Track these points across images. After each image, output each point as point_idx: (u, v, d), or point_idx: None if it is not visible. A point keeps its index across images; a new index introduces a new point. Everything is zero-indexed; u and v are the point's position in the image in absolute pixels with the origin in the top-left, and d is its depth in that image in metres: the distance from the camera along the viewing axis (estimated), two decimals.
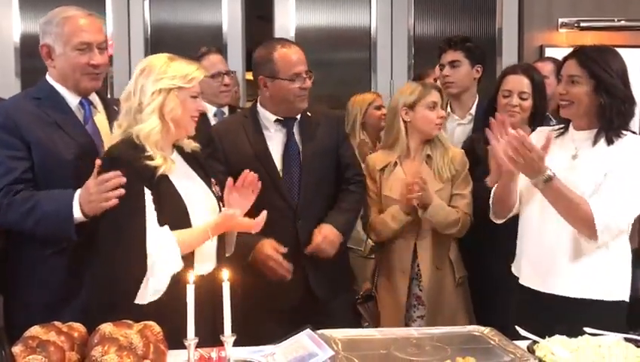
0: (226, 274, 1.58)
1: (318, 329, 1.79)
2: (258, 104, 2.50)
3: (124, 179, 1.85)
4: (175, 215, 1.92)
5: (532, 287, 2.15)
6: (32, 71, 3.85)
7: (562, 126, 2.20)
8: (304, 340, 1.71)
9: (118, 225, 1.88)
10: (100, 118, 2.19)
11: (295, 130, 2.47)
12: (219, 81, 3.14)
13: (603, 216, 1.97)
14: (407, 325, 2.57)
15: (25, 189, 2.00)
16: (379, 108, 3.55)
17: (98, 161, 1.91)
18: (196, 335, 1.56)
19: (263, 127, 2.46)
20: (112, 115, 2.17)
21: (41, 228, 1.98)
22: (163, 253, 1.86)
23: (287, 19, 4.30)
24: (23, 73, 3.95)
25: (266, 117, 2.47)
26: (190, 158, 2.08)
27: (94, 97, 2.21)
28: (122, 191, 1.85)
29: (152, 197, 1.90)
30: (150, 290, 1.84)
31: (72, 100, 2.13)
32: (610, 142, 2.05)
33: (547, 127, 2.32)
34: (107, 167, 1.89)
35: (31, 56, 3.88)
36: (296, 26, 4.32)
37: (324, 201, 2.48)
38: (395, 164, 2.61)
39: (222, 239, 2.05)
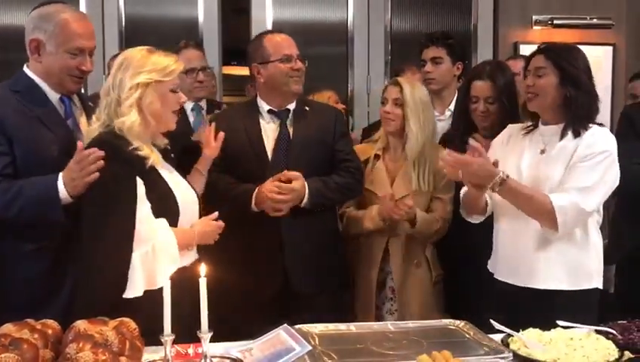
0: (203, 269, 1.57)
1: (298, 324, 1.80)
2: (257, 95, 2.55)
3: (102, 153, 1.86)
4: (166, 205, 1.94)
5: (506, 281, 2.19)
6: (5, 64, 3.78)
7: (531, 124, 2.23)
8: (281, 335, 1.71)
9: (106, 212, 1.87)
10: (79, 115, 2.17)
11: (289, 121, 2.50)
12: (192, 77, 3.12)
13: (562, 205, 2.02)
14: (382, 318, 2.59)
15: (4, 181, 1.98)
16: (336, 102, 3.54)
17: (80, 143, 1.92)
18: (175, 330, 1.55)
19: (259, 116, 2.51)
20: (88, 112, 2.17)
21: (25, 214, 1.96)
22: (165, 247, 1.88)
23: (263, 14, 4.27)
24: None
25: (262, 106, 2.52)
26: (164, 154, 2.08)
27: (74, 96, 2.19)
28: (102, 163, 1.87)
29: (144, 188, 1.90)
30: (155, 284, 1.83)
31: (53, 95, 2.11)
32: (577, 134, 2.09)
33: (518, 124, 2.34)
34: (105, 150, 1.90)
35: (4, 49, 3.80)
36: (272, 20, 4.30)
37: None
38: (377, 157, 2.63)
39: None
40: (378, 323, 2.30)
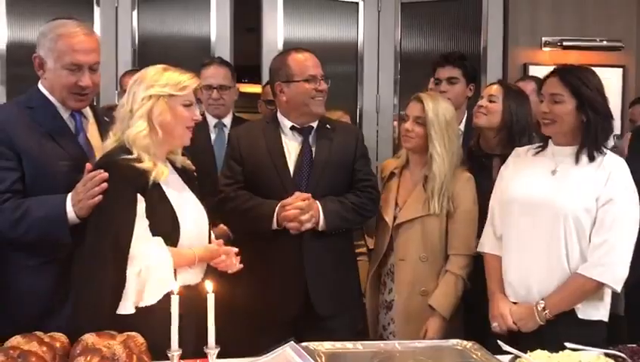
0: (209, 285, 1.58)
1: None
2: (278, 111, 2.54)
3: (106, 174, 1.88)
4: (166, 224, 1.94)
5: (513, 301, 2.17)
6: (18, 79, 3.83)
7: (541, 145, 2.22)
8: (288, 353, 1.70)
9: (103, 229, 1.88)
10: (91, 129, 2.17)
11: (311, 139, 2.50)
12: (208, 95, 3.13)
13: (599, 270, 2.03)
14: (386, 338, 2.55)
15: (13, 198, 1.99)
16: None
17: (89, 165, 1.95)
18: (182, 346, 1.55)
19: (281, 132, 2.50)
20: (102, 126, 2.17)
21: (33, 233, 1.97)
22: (158, 267, 1.87)
23: (274, 33, 4.32)
24: (9, 81, 3.91)
25: (284, 123, 2.51)
26: (182, 173, 2.09)
27: (87, 108, 2.19)
28: (105, 185, 1.88)
29: (144, 204, 1.90)
30: (141, 301, 1.84)
31: (64, 111, 2.12)
32: (591, 158, 2.08)
33: (525, 146, 2.34)
34: (100, 167, 1.93)
35: (17, 64, 3.85)
36: (284, 39, 4.34)
37: None
38: (393, 174, 2.61)
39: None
40: (385, 341, 2.29)
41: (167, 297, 1.61)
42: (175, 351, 1.55)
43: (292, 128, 2.50)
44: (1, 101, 3.72)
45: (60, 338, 1.67)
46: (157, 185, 1.94)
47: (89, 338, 1.62)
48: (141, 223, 1.89)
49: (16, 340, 1.60)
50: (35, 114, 2.07)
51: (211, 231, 2.14)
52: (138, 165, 1.90)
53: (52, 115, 2.09)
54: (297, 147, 2.48)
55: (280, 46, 4.30)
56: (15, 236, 1.98)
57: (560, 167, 2.14)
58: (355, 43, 4.45)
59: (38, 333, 1.65)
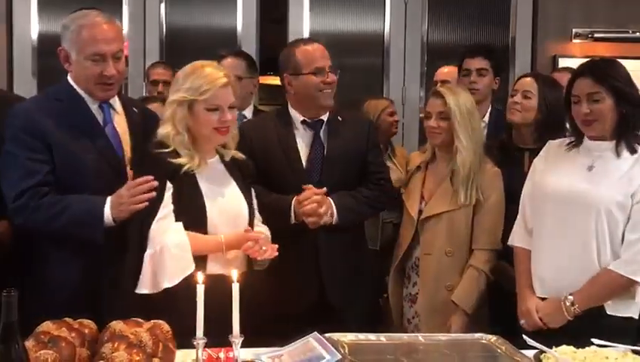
0: (235, 274, 1.59)
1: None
2: (288, 104, 2.52)
3: (155, 183, 1.93)
4: (192, 212, 1.98)
5: (540, 296, 2.15)
6: (49, 70, 3.89)
7: (573, 140, 2.18)
8: (311, 343, 1.72)
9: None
10: (119, 120, 2.18)
11: (322, 131, 2.48)
12: None
13: (637, 271, 1.99)
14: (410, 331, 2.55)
15: (50, 192, 2.02)
16: (391, 114, 3.55)
17: (131, 173, 2.02)
18: (210, 334, 1.57)
19: (292, 125, 2.48)
20: (131, 117, 2.20)
21: (67, 230, 2.00)
22: (174, 251, 1.91)
23: (300, 24, 4.32)
24: (40, 73, 3.99)
25: (295, 117, 2.49)
26: (231, 166, 2.13)
27: (114, 98, 2.19)
28: (153, 194, 1.93)
29: (172, 191, 1.96)
30: (159, 284, 1.89)
31: (92, 103, 2.13)
32: (632, 150, 2.05)
33: (557, 140, 2.30)
34: (136, 161, 2.04)
35: (48, 55, 3.92)
36: (310, 30, 4.34)
37: None
38: (419, 168, 2.59)
39: None
40: (409, 334, 2.28)
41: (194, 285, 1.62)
42: (200, 339, 1.57)
43: (303, 122, 2.48)
44: (32, 92, 3.78)
45: (89, 325, 1.70)
46: (190, 175, 1.99)
47: (116, 325, 1.65)
48: (165, 207, 1.95)
49: (47, 326, 1.63)
50: (64, 107, 2.09)
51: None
52: (171, 159, 1.97)
53: (80, 107, 2.11)
54: (309, 141, 2.47)
55: (306, 37, 4.30)
56: (50, 230, 2.02)
57: (597, 162, 2.09)
58: (381, 35, 4.43)
59: (68, 319, 1.68)
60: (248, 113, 3.21)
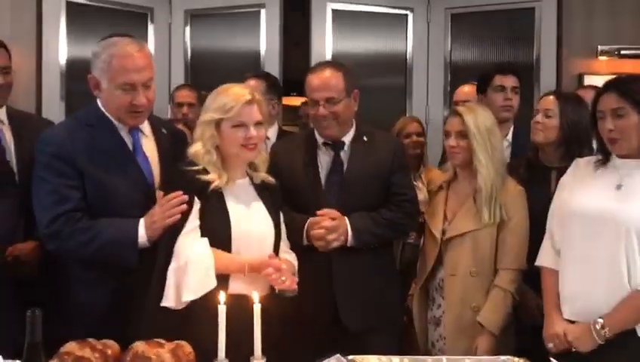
0: (256, 296, 1.59)
1: None
2: None
3: (186, 197, 1.97)
4: (217, 231, 2.00)
5: (568, 318, 2.10)
6: (77, 95, 3.97)
7: (600, 158, 2.14)
8: None
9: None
10: (149, 145, 2.20)
11: (344, 152, 2.49)
12: None
13: None
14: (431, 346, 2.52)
15: (84, 218, 2.03)
16: (408, 136, 3.50)
17: (160, 193, 2.04)
18: (230, 354, 1.56)
19: (317, 147, 2.51)
20: (160, 140, 2.22)
21: (101, 254, 2.02)
22: (197, 266, 1.92)
23: (323, 46, 4.35)
24: (68, 96, 4.06)
25: (318, 138, 2.52)
26: (261, 189, 2.16)
27: (143, 125, 2.21)
28: (185, 206, 1.96)
29: (199, 206, 1.99)
30: (182, 298, 1.90)
31: (122, 128, 2.15)
32: None
33: (585, 158, 2.26)
34: (168, 176, 2.11)
35: (76, 80, 3.99)
36: (332, 51, 4.36)
37: None
38: (441, 187, 2.57)
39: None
40: (433, 357, 2.24)
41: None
42: (222, 360, 1.56)
43: (324, 143, 2.50)
44: (60, 116, 3.85)
45: (113, 346, 1.70)
46: (218, 193, 2.02)
47: (139, 346, 1.65)
48: (191, 222, 1.98)
49: (70, 346, 1.64)
50: (94, 132, 2.10)
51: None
52: (200, 175, 2.00)
53: (111, 133, 2.12)
54: (329, 162, 2.48)
55: (328, 58, 4.32)
56: (84, 256, 2.03)
57: (625, 180, 2.05)
58: (404, 54, 4.44)
59: (91, 340, 1.69)
60: (272, 134, 3.22)
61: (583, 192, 2.11)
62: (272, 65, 4.27)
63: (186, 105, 3.61)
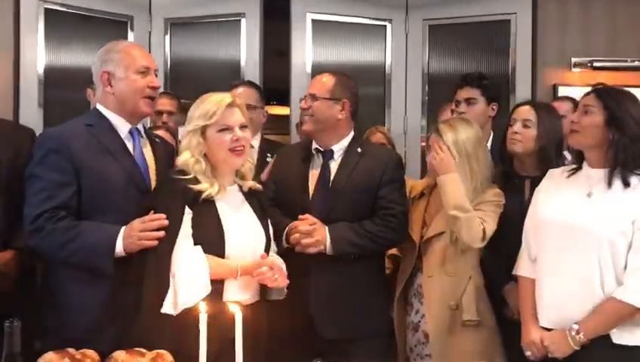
0: (237, 308, 1.59)
1: None
2: None
3: (166, 222, 1.98)
4: (211, 239, 2.01)
5: (545, 326, 2.14)
6: (55, 101, 3.95)
7: (575, 167, 2.20)
8: None
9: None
10: (146, 148, 2.25)
11: (333, 162, 2.52)
12: None
13: (635, 295, 1.98)
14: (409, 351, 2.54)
15: (68, 216, 2.05)
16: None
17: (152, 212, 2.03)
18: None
19: (312, 154, 2.55)
20: (155, 146, 2.29)
21: (76, 258, 2.03)
22: (191, 273, 1.94)
23: (303, 55, 4.37)
24: (46, 103, 4.02)
25: (314, 145, 2.57)
26: (250, 196, 2.18)
27: (141, 129, 2.28)
28: (162, 233, 1.98)
29: (191, 215, 2.00)
30: (178, 305, 1.91)
31: (123, 129, 2.21)
32: (626, 184, 2.04)
33: (559, 168, 2.31)
34: (160, 183, 2.10)
35: (54, 86, 3.97)
36: (312, 62, 4.39)
37: None
38: (422, 194, 2.62)
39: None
40: None
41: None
42: None
43: (316, 150, 2.54)
44: (38, 123, 3.82)
45: (92, 355, 1.69)
46: (210, 202, 2.03)
47: (119, 355, 1.65)
48: (183, 231, 1.99)
49: (49, 356, 1.63)
50: (94, 130, 2.16)
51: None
52: (191, 185, 2.01)
53: (110, 132, 2.18)
54: (318, 171, 2.51)
55: (309, 69, 4.36)
56: (60, 257, 2.05)
57: (595, 189, 2.10)
58: (382, 65, 4.47)
59: (70, 350, 1.69)
60: (256, 143, 3.22)
61: (556, 203, 2.16)
62: (253, 75, 4.28)
63: (166, 114, 3.59)
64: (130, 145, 2.20)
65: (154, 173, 2.19)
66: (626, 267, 2.02)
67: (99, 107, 2.23)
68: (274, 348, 2.21)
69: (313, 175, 2.51)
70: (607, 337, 2.03)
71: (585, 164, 2.16)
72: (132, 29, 4.30)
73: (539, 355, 2.10)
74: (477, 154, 2.48)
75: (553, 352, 2.07)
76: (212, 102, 2.07)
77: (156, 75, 2.25)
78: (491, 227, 2.37)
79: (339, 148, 2.53)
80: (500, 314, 2.50)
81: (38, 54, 4.00)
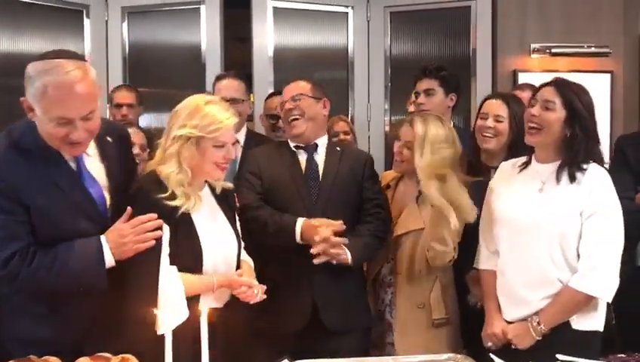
0: (204, 311, 1.59)
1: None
2: None
3: (160, 222, 1.91)
4: (189, 256, 1.97)
5: (509, 319, 2.18)
6: (10, 90, 3.78)
7: (525, 161, 2.22)
8: None
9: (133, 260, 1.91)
10: (93, 161, 1.99)
11: (318, 156, 2.57)
12: None
13: (592, 285, 2.04)
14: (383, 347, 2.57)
15: (37, 252, 1.85)
16: (336, 135, 3.48)
17: (129, 209, 1.92)
18: None
19: (295, 150, 2.59)
20: (105, 149, 2.01)
21: (71, 285, 1.88)
22: (170, 297, 1.86)
23: (265, 40, 4.33)
24: (1, 92, 3.89)
25: (290, 144, 2.61)
26: (220, 199, 2.14)
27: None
28: (160, 233, 1.91)
29: (169, 234, 1.94)
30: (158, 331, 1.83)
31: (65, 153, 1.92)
32: (572, 178, 2.07)
33: (509, 161, 2.33)
34: (132, 199, 1.96)
35: (9, 75, 3.81)
36: (274, 46, 4.35)
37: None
38: (388, 186, 2.66)
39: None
40: (379, 358, 2.31)
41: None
42: None
43: (297, 147, 2.58)
44: None
45: None
46: (186, 215, 1.98)
47: (83, 361, 1.63)
48: (164, 251, 1.93)
49: None
50: (34, 159, 1.86)
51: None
52: (168, 202, 1.94)
53: (53, 160, 1.89)
54: (305, 164, 2.55)
55: (270, 53, 4.32)
56: (54, 289, 1.88)
57: (546, 186, 2.13)
58: (345, 50, 4.46)
59: (33, 357, 1.66)
60: (241, 136, 3.15)
61: (508, 198, 2.20)
62: (214, 61, 4.22)
63: (126, 106, 3.53)
64: (74, 166, 1.93)
65: (106, 186, 1.98)
66: (578, 257, 2.07)
67: (36, 125, 1.88)
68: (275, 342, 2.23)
69: (302, 167, 2.55)
70: (567, 323, 2.09)
71: (533, 160, 2.19)
72: (88, 17, 4.18)
73: (499, 345, 2.15)
74: (442, 147, 2.46)
75: (517, 344, 2.12)
76: (214, 118, 1.98)
77: (90, 119, 1.83)
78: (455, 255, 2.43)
79: (322, 142, 2.60)
80: (463, 301, 2.56)
81: None
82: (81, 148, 1.89)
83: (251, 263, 2.22)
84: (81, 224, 1.90)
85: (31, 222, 1.85)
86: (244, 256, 2.23)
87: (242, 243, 2.21)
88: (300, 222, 2.38)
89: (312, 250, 2.32)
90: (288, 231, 2.37)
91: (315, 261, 2.33)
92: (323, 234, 2.32)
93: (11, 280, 1.83)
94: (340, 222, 2.37)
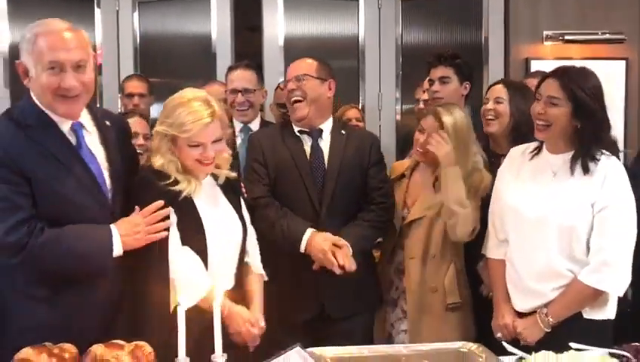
0: (217, 293, 1.60)
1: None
2: None
3: (168, 210, 1.94)
4: (193, 234, 1.98)
5: (518, 310, 2.17)
6: (18, 80, 3.84)
7: (536, 147, 2.19)
8: (293, 358, 1.72)
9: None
10: (93, 140, 1.99)
11: (322, 142, 2.52)
12: (232, 98, 3.13)
13: (602, 280, 2.02)
14: (392, 336, 2.58)
15: (45, 228, 1.84)
16: (348, 121, 3.46)
17: (138, 208, 1.95)
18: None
19: (299, 135, 2.54)
20: (105, 132, 2.01)
21: (75, 268, 1.88)
22: (190, 273, 1.93)
23: (275, 30, 4.32)
24: (12, 83, 3.93)
25: (295, 128, 2.55)
26: (225, 185, 2.14)
27: (85, 114, 1.98)
28: (169, 222, 1.93)
29: (175, 217, 1.97)
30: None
31: (64, 125, 1.92)
32: (586, 169, 2.05)
33: (518, 147, 2.31)
34: (137, 187, 1.99)
35: None
36: (284, 35, 4.34)
37: (347, 215, 2.47)
38: (403, 175, 2.63)
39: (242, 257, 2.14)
40: (391, 345, 2.30)
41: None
42: (182, 359, 1.56)
43: (300, 132, 2.53)
44: (5, 103, 3.72)
45: (70, 349, 1.67)
46: (189, 200, 1.99)
47: (97, 349, 1.63)
48: (173, 234, 1.96)
49: (26, 352, 1.61)
50: (34, 133, 1.86)
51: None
52: (172, 188, 1.96)
53: (52, 132, 1.89)
54: (309, 150, 2.51)
55: (281, 43, 4.32)
56: (58, 270, 1.88)
57: (558, 176, 2.10)
58: (356, 38, 4.45)
59: (48, 344, 1.67)
60: (255, 126, 3.16)
61: (517, 188, 2.17)
62: (224, 51, 4.23)
63: (137, 96, 3.54)
64: (74, 141, 1.92)
65: (105, 164, 1.97)
66: (589, 250, 2.05)
67: (34, 100, 1.89)
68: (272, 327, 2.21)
69: (307, 152, 2.51)
70: (579, 312, 2.07)
71: (544, 150, 2.16)
72: (99, 6, 4.21)
73: (509, 338, 2.14)
74: (470, 136, 2.49)
75: (525, 338, 2.10)
76: (189, 117, 1.95)
77: (84, 66, 1.85)
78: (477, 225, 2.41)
79: (327, 127, 2.54)
80: (475, 290, 2.55)
81: (2, 34, 3.89)
82: (76, 104, 1.88)
83: (262, 278, 2.21)
84: (83, 199, 1.89)
85: (33, 196, 1.84)
86: (256, 264, 2.21)
87: (252, 230, 2.21)
88: (307, 237, 2.36)
89: (315, 267, 2.36)
90: (293, 243, 2.36)
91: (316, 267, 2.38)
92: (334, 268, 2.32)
93: (18, 251, 1.81)
94: (347, 244, 2.35)
